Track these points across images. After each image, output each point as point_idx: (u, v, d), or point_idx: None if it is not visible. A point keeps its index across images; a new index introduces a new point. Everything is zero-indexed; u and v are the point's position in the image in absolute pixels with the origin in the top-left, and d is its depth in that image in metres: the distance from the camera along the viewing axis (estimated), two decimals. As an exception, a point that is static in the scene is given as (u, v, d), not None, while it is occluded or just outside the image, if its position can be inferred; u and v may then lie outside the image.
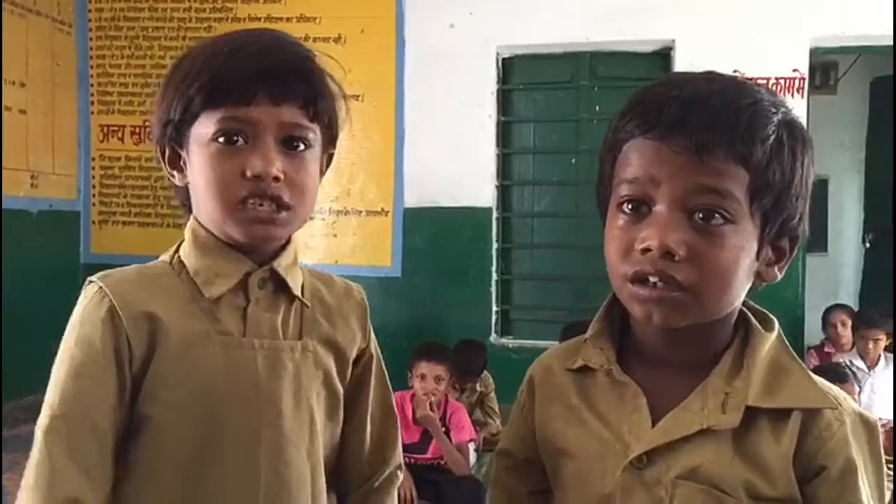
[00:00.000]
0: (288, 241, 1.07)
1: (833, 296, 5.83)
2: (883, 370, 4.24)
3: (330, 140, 1.08)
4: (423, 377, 3.45)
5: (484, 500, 3.21)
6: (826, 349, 4.66)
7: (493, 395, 4.25)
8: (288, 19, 5.12)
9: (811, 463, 0.83)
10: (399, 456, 1.21)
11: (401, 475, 1.21)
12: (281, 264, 1.04)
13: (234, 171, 0.96)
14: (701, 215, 0.79)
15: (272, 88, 0.97)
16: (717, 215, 0.79)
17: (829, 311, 4.74)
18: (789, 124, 0.83)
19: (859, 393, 3.07)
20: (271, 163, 0.96)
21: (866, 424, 0.86)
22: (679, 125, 0.79)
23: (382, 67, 5.03)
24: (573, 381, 0.95)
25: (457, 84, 4.92)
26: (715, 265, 0.80)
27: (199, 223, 1.03)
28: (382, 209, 5.11)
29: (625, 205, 0.84)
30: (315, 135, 1.03)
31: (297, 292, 1.06)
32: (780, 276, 0.86)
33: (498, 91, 5.00)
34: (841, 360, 4.10)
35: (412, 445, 3.48)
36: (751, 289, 0.88)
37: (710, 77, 0.84)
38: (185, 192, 1.05)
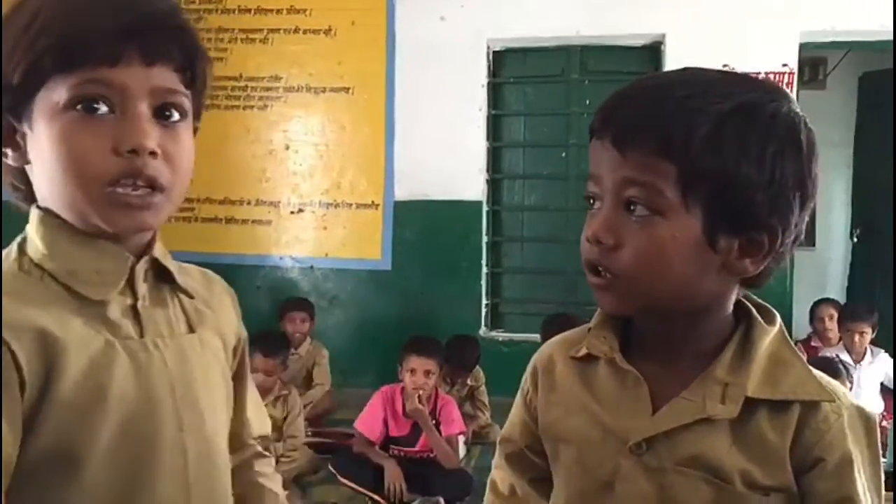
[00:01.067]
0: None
1: (820, 290, 5.87)
2: (869, 364, 4.28)
3: (198, 110, 0.90)
4: (413, 371, 3.46)
5: (471, 491, 3.23)
6: (813, 343, 4.70)
7: (483, 388, 4.27)
8: (278, 11, 5.11)
9: (808, 455, 0.84)
10: (265, 428, 1.12)
11: (270, 455, 1.12)
12: (157, 253, 0.90)
13: (99, 146, 0.79)
14: (635, 206, 0.83)
15: (143, 47, 0.80)
16: (641, 206, 0.82)
17: (816, 305, 4.78)
18: (744, 113, 0.80)
19: (850, 389, 3.10)
20: (147, 135, 0.80)
21: (864, 418, 0.87)
22: (608, 124, 0.85)
23: (373, 60, 5.03)
24: (576, 369, 0.97)
25: (447, 77, 4.91)
26: (640, 253, 0.82)
27: (49, 212, 0.84)
28: (372, 202, 5.11)
29: (589, 200, 0.89)
30: (188, 102, 0.86)
31: (181, 282, 0.93)
32: (753, 270, 0.85)
33: (488, 84, 5.00)
34: (827, 354, 4.13)
35: (402, 438, 3.49)
36: (746, 283, 0.89)
37: (665, 74, 0.89)
38: (20, 174, 0.86)
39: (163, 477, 0.85)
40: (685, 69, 0.87)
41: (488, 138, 5.03)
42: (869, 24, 4.48)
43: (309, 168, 5.17)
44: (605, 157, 0.84)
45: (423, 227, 5.02)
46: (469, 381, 4.29)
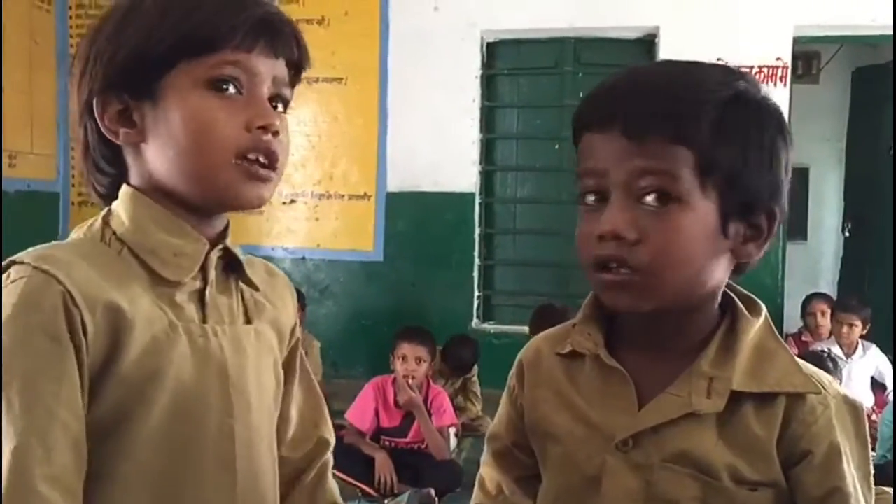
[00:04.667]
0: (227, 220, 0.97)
1: (812, 284, 5.89)
2: (860, 358, 4.30)
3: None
4: (404, 358, 3.47)
5: (461, 483, 3.23)
6: (804, 337, 4.71)
7: (475, 378, 4.28)
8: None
9: (796, 447, 0.84)
10: (331, 436, 1.13)
11: (331, 458, 1.13)
12: (229, 242, 0.95)
13: (232, 121, 0.86)
14: (650, 197, 0.81)
15: (272, 40, 0.89)
16: (662, 196, 0.81)
17: (808, 300, 4.79)
18: (742, 101, 0.83)
19: (840, 384, 3.11)
20: (274, 115, 0.89)
21: (851, 407, 0.87)
22: (614, 115, 0.82)
23: (366, 50, 5.00)
24: (562, 365, 0.96)
25: (441, 68, 4.89)
26: (666, 245, 0.81)
27: (140, 190, 0.89)
28: (365, 193, 5.09)
29: (586, 196, 0.87)
30: (290, 96, 0.95)
31: (248, 273, 0.97)
32: (757, 255, 0.86)
33: (482, 76, 4.98)
34: (818, 347, 4.15)
35: (393, 429, 3.49)
36: (735, 271, 0.89)
37: (659, 65, 0.88)
38: (114, 156, 0.91)
39: (210, 459, 0.88)
40: (662, 61, 0.88)
41: (481, 130, 5.02)
42: (862, 18, 4.48)
43: (301, 158, 5.14)
44: (612, 149, 0.82)
45: (415, 218, 5.01)
46: (465, 375, 4.30)
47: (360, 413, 3.50)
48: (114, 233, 0.88)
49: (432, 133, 4.92)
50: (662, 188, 0.80)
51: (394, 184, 5.04)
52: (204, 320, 0.89)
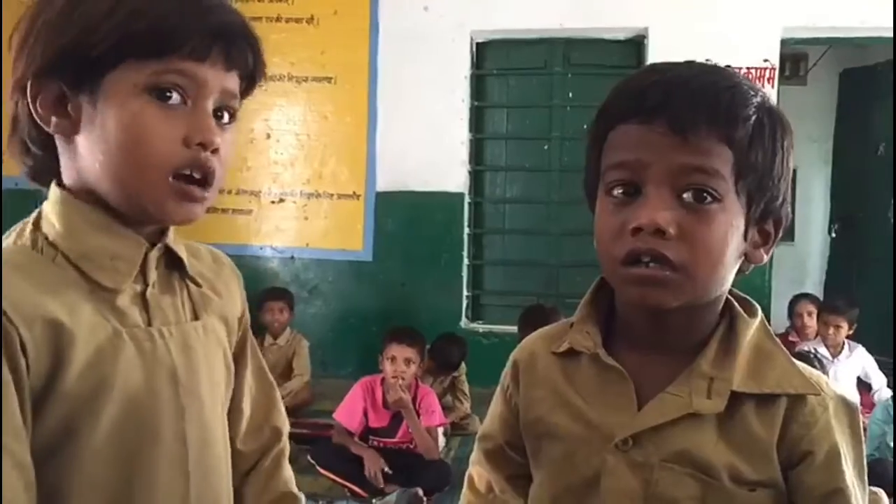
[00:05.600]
0: None
1: (799, 284, 5.92)
2: (846, 358, 4.32)
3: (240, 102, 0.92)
4: (393, 359, 3.46)
5: (450, 482, 3.23)
6: (790, 338, 4.73)
7: (464, 377, 4.28)
8: (260, -1, 5.07)
9: (796, 448, 0.84)
10: (283, 424, 1.10)
11: (286, 446, 1.11)
12: (171, 240, 0.91)
13: (170, 135, 0.81)
14: (689, 194, 0.80)
15: (227, 50, 0.84)
16: (704, 194, 0.80)
17: (795, 301, 4.81)
18: (768, 107, 0.84)
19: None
20: (216, 131, 0.84)
21: (847, 407, 0.88)
22: (662, 108, 0.80)
23: (355, 50, 5.00)
24: (558, 364, 0.96)
25: (430, 68, 4.90)
26: (705, 243, 0.80)
27: (71, 192, 0.84)
28: (354, 193, 5.09)
29: (614, 189, 0.85)
30: (238, 108, 0.90)
31: (191, 270, 0.94)
32: (766, 258, 0.88)
33: (471, 76, 4.99)
34: (805, 347, 4.17)
35: (381, 429, 3.48)
36: (737, 273, 0.89)
37: (690, 64, 0.85)
38: (46, 145, 0.85)
39: (163, 465, 0.85)
40: (689, 61, 0.86)
41: (471, 130, 5.03)
42: (850, 20, 4.51)
43: (290, 157, 5.14)
44: (657, 142, 0.80)
45: (404, 218, 5.01)
46: (452, 373, 4.30)
47: (349, 413, 3.49)
48: (46, 238, 0.83)
49: (422, 133, 4.93)
50: (706, 186, 0.80)
51: (383, 183, 5.04)
52: (149, 323, 0.86)
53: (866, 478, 0.89)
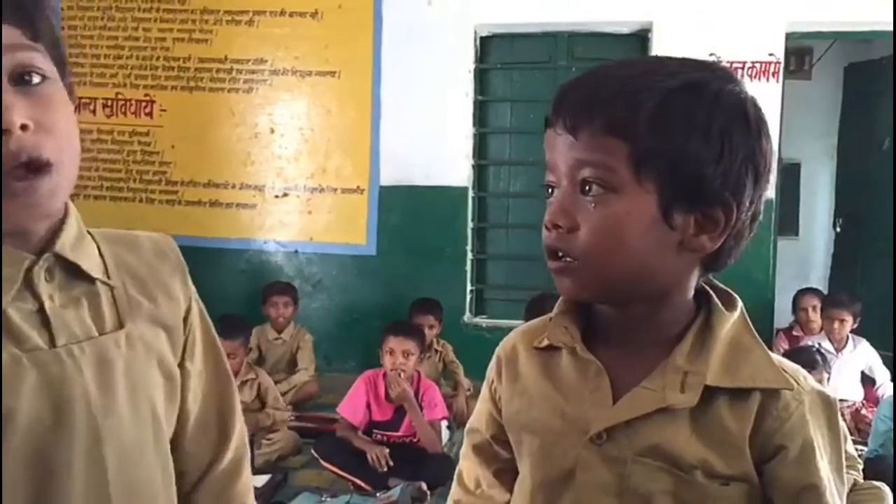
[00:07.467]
0: (65, 212, 0.81)
1: (803, 279, 5.91)
2: (850, 352, 4.32)
3: (61, 64, 0.78)
4: (391, 352, 3.47)
5: (453, 476, 3.24)
6: (795, 332, 4.73)
7: (456, 360, 4.34)
8: (264, -7, 5.07)
9: (769, 443, 0.84)
10: (237, 421, 1.01)
11: (248, 452, 1.03)
12: (65, 244, 0.79)
13: None
14: (586, 187, 0.84)
15: None
16: (595, 185, 0.83)
17: (800, 295, 4.81)
18: (691, 90, 0.82)
19: (828, 379, 3.12)
20: (9, 108, 0.69)
21: (824, 401, 0.87)
22: (559, 109, 0.86)
23: (359, 44, 4.99)
24: (539, 359, 0.97)
25: (434, 62, 4.89)
26: (595, 231, 0.83)
27: None
28: (358, 187, 5.09)
29: (547, 190, 0.90)
30: (46, 59, 0.75)
31: (97, 274, 0.83)
32: (712, 247, 0.85)
33: (475, 70, 4.98)
34: (809, 342, 4.17)
35: (384, 423, 3.50)
36: (710, 266, 0.89)
37: (619, 61, 0.88)
38: None
39: (76, 493, 0.77)
40: (629, 58, 0.88)
41: (474, 124, 5.02)
42: (855, 14, 4.50)
43: (294, 152, 5.14)
44: (558, 143, 0.86)
45: (408, 212, 5.01)
46: (437, 348, 4.39)
47: (352, 407, 3.50)
48: None
49: (425, 127, 4.92)
50: (599, 179, 0.82)
51: (387, 177, 5.03)
52: (53, 343, 0.76)
53: (845, 472, 0.89)
